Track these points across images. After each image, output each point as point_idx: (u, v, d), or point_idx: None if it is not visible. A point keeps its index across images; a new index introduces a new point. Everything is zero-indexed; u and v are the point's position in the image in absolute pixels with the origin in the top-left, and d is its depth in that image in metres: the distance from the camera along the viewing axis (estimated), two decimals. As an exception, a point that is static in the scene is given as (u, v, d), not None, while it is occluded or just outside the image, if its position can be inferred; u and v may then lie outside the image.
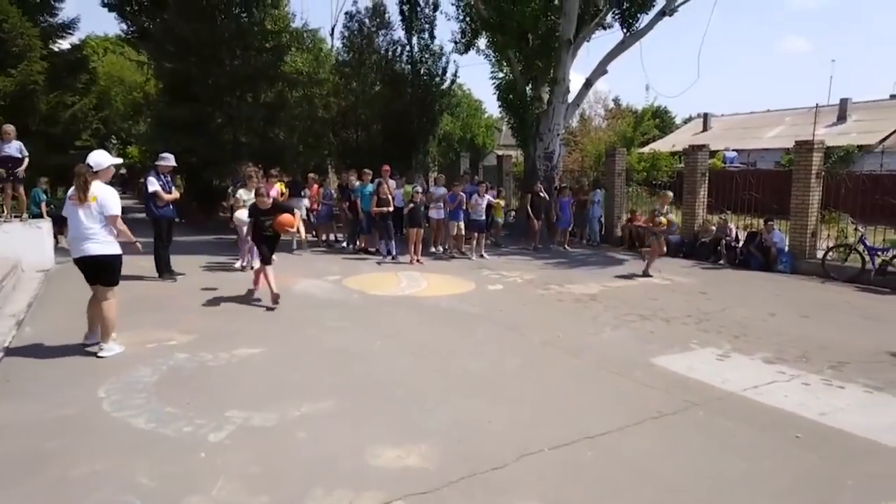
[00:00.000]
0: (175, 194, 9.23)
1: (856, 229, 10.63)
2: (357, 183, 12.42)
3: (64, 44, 19.68)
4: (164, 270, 9.05)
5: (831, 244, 10.95)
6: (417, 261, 11.17)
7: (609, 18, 16.53)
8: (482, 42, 18.58)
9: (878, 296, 9.03)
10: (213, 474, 3.32)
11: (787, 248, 11.20)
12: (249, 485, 3.23)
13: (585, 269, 11.05)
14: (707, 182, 13.49)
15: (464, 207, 12.00)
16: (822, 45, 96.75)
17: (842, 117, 29.71)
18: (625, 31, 16.11)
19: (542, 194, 13.73)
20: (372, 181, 12.40)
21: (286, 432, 3.89)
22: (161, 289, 8.41)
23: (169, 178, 9.19)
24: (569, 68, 15.83)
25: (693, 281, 9.77)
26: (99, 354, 5.30)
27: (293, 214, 7.68)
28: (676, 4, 15.17)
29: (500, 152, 26.03)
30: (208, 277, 9.41)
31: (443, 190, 12.59)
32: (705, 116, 38.15)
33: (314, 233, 13.92)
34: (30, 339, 5.83)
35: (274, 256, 7.70)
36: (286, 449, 3.66)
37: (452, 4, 18.47)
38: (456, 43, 18.79)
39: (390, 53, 19.93)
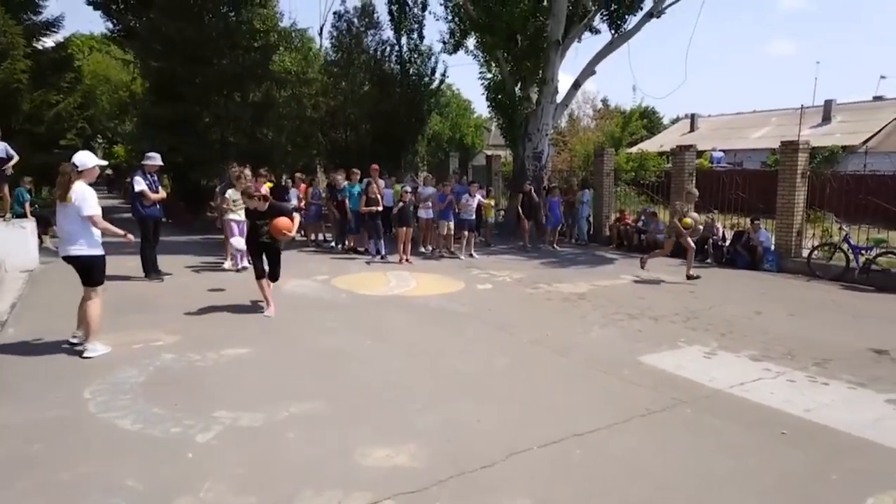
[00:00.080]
0: (162, 194, 9.16)
1: (840, 228, 10.75)
2: (345, 183, 12.39)
3: (48, 42, 19.49)
4: (151, 271, 8.97)
5: (816, 243, 11.06)
6: (406, 260, 11.16)
7: (597, 21, 16.62)
8: (471, 42, 18.61)
9: (861, 294, 9.14)
10: (200, 475, 3.30)
11: (773, 247, 11.31)
12: (237, 486, 3.21)
13: (574, 269, 11.10)
14: (694, 182, 13.57)
15: (453, 207, 12.01)
16: (807, 48, 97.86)
17: (826, 118, 30.09)
18: (613, 32, 16.21)
19: (532, 195, 13.76)
20: (360, 181, 12.38)
21: (275, 433, 3.87)
22: (148, 289, 8.34)
23: (156, 178, 9.12)
24: (557, 69, 15.89)
25: (680, 279, 9.83)
26: (84, 355, 5.25)
27: (292, 218, 6.96)
28: (664, 6, 15.29)
29: (489, 152, 26.08)
30: (196, 278, 9.35)
31: (431, 189, 12.59)
32: (692, 117, 38.49)
33: (303, 232, 13.86)
34: (13, 340, 5.75)
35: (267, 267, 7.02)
36: (275, 449, 3.64)
37: (441, 5, 18.48)
38: (445, 43, 18.80)
39: (379, 53, 19.91)
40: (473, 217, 12.37)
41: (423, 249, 12.62)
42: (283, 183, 14.27)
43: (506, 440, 3.79)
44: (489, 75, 18.72)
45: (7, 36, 15.18)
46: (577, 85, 16.79)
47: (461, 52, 18.89)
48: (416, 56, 20.02)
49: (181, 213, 16.68)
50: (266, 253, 7.01)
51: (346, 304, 7.78)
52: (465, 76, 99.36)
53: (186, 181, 16.58)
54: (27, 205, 12.14)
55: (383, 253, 11.49)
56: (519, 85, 17.51)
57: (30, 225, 10.05)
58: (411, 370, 5.22)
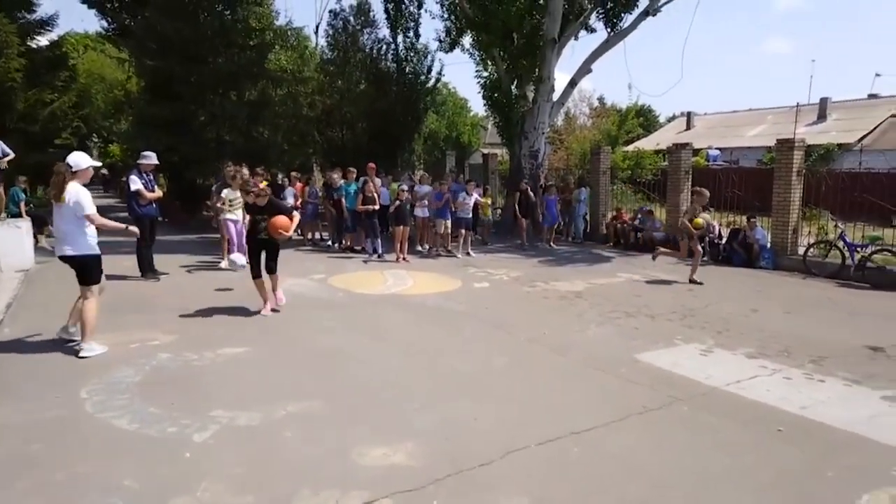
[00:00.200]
0: (158, 193, 9.15)
1: (836, 226, 10.78)
2: (342, 181, 12.38)
3: (42, 40, 19.43)
4: (147, 270, 8.96)
5: (812, 241, 11.10)
6: (403, 259, 11.16)
7: (593, 19, 16.63)
8: (467, 41, 18.61)
9: (857, 291, 9.17)
10: (198, 475, 3.29)
11: (769, 245, 11.34)
12: (235, 485, 3.21)
13: (571, 267, 11.11)
14: (690, 180, 13.61)
15: (450, 206, 12.01)
16: (803, 46, 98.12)
17: (822, 116, 30.14)
18: (609, 30, 16.22)
19: (529, 193, 13.77)
20: (357, 180, 12.37)
21: (272, 432, 3.86)
22: (144, 288, 8.32)
23: (151, 177, 9.09)
24: (553, 67, 15.89)
25: (677, 277, 9.85)
26: (80, 354, 5.24)
27: (291, 217, 6.85)
28: (660, 4, 15.30)
29: (485, 151, 26.06)
30: (192, 277, 9.33)
31: (427, 188, 12.58)
32: (689, 115, 38.49)
33: (300, 231, 13.84)
34: (9, 340, 5.74)
35: (265, 269, 6.89)
36: (272, 448, 3.64)
37: (437, 3, 18.46)
38: (441, 41, 18.79)
39: (375, 52, 19.89)
40: (470, 216, 12.37)
41: (419, 248, 12.61)
42: (280, 182, 14.25)
43: (503, 438, 3.79)
44: (485, 74, 18.72)
45: (1, 34, 15.10)
46: (573, 83, 16.81)
47: (457, 51, 18.92)
48: (412, 54, 20.01)
49: (177, 213, 16.65)
50: (265, 250, 6.91)
51: (344, 303, 7.77)
52: (461, 74, 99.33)
53: (182, 180, 16.55)
54: (22, 204, 12.11)
55: (380, 252, 11.48)
56: (515, 83, 17.52)
57: (25, 224, 10.02)
58: (409, 369, 5.22)
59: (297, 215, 6.95)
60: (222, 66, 15.63)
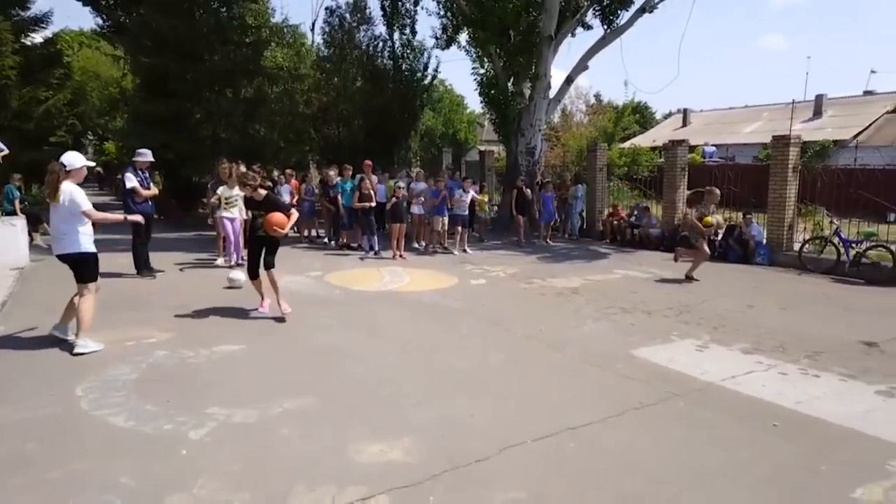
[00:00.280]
0: (154, 190, 9.11)
1: (831, 222, 10.82)
2: (338, 178, 12.35)
3: (37, 38, 19.34)
4: (143, 268, 8.93)
5: (808, 237, 11.14)
6: (400, 256, 11.16)
7: (589, 16, 16.61)
8: (463, 38, 18.59)
9: (852, 287, 9.21)
10: (194, 472, 3.29)
11: (764, 241, 11.37)
12: (231, 482, 3.21)
13: (568, 263, 11.12)
14: (686, 176, 13.63)
15: (447, 203, 12.00)
16: (799, 43, 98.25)
17: (817, 113, 30.20)
18: (605, 27, 16.21)
19: (525, 190, 13.76)
20: (353, 177, 12.35)
21: (268, 429, 3.86)
22: (140, 286, 8.29)
23: (147, 174, 9.06)
24: (550, 64, 15.88)
25: (673, 274, 9.87)
26: (75, 351, 5.23)
27: (288, 215, 6.58)
28: (656, 1, 15.29)
29: (482, 148, 26.05)
30: (188, 275, 9.31)
31: (423, 185, 12.56)
32: (685, 112, 38.56)
33: (296, 229, 13.81)
34: (4, 338, 5.71)
35: (263, 270, 6.61)
36: (268, 445, 3.64)
37: (433, 0, 18.45)
38: (437, 38, 18.77)
39: (371, 49, 19.87)
40: (467, 213, 12.37)
41: (416, 245, 12.61)
42: (276, 178, 14.19)
43: (500, 434, 3.80)
44: (482, 71, 18.69)
45: (-5, 31, 15.04)
46: (569, 80, 16.80)
47: (454, 48, 18.94)
48: (408, 51, 19.98)
49: (173, 210, 16.59)
50: (265, 247, 6.67)
51: (340, 301, 7.76)
52: (457, 72, 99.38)
53: (178, 178, 16.50)
54: (17, 202, 12.06)
55: (377, 249, 11.47)
56: (512, 80, 17.50)
57: (20, 222, 9.98)
58: (405, 366, 5.22)
59: (294, 213, 6.72)
60: (218, 64, 15.58)
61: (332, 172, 12.53)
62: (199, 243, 12.38)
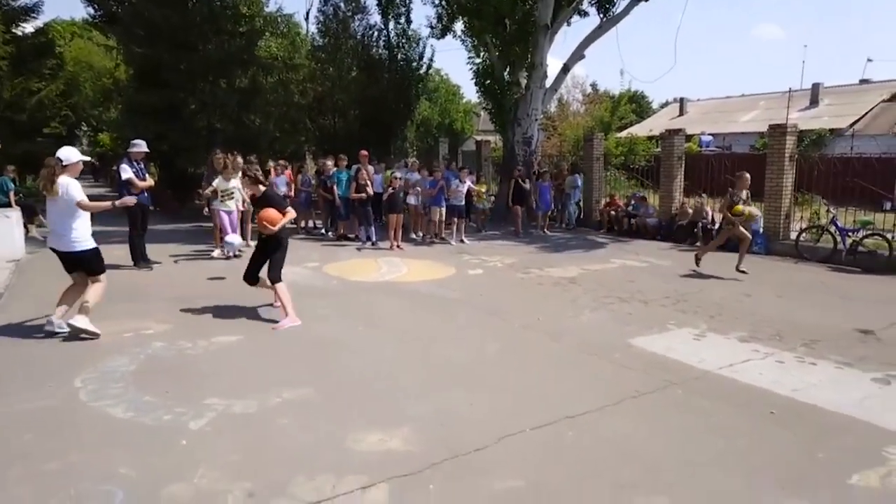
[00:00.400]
0: (149, 181, 9.06)
1: (828, 211, 10.84)
2: (333, 169, 12.30)
3: (28, 27, 19.14)
4: (140, 259, 8.90)
5: (804, 226, 11.16)
6: (397, 246, 11.14)
7: (585, 4, 16.52)
8: (459, 27, 18.41)
9: (848, 275, 9.24)
10: (194, 462, 3.29)
11: (761, 230, 11.38)
12: (231, 472, 3.21)
13: (565, 253, 11.13)
14: (683, 166, 13.63)
15: (444, 193, 11.98)
16: (795, 31, 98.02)
17: (814, 101, 30.20)
18: (601, 15, 16.13)
19: (522, 181, 13.73)
20: (349, 167, 12.30)
21: (267, 419, 3.87)
22: (137, 277, 8.27)
23: (142, 165, 9.01)
24: (546, 53, 15.81)
25: (670, 263, 9.90)
26: (70, 321, 5.35)
27: (283, 212, 6.17)
28: (652, -11, 15.21)
29: (478, 137, 25.98)
30: (185, 266, 9.29)
31: (417, 175, 12.52)
32: (681, 101, 38.51)
33: (293, 220, 13.76)
34: (1, 329, 5.69)
35: (263, 275, 6.21)
36: (268, 435, 3.64)
37: (428, -12, 18.24)
38: (432, 28, 18.59)
39: (366, 38, 19.70)
40: (463, 203, 12.34)
41: (413, 236, 12.59)
42: (270, 170, 14.12)
43: (498, 424, 3.81)
44: (478, 60, 18.58)
45: (-15, 21, 14.88)
46: (566, 69, 16.73)
47: (449, 37, 18.74)
48: (403, 41, 19.83)
49: (168, 201, 16.52)
50: (266, 248, 6.26)
51: (338, 291, 7.76)
52: (453, 61, 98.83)
53: (173, 169, 16.39)
54: (11, 194, 11.99)
55: (374, 239, 11.46)
56: (508, 70, 17.40)
57: (15, 214, 9.93)
58: (403, 356, 5.23)
59: (290, 212, 6.30)
60: (212, 54, 15.44)
61: (329, 163, 12.48)
62: (196, 235, 12.34)
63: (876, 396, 4.38)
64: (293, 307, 6.11)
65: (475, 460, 3.38)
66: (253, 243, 7.38)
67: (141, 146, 8.83)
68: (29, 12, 18.66)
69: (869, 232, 10.12)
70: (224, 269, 8.80)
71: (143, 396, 4.17)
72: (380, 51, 19.75)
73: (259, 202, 6.32)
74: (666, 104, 44.80)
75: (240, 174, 9.10)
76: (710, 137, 26.13)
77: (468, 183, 12.61)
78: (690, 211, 12.76)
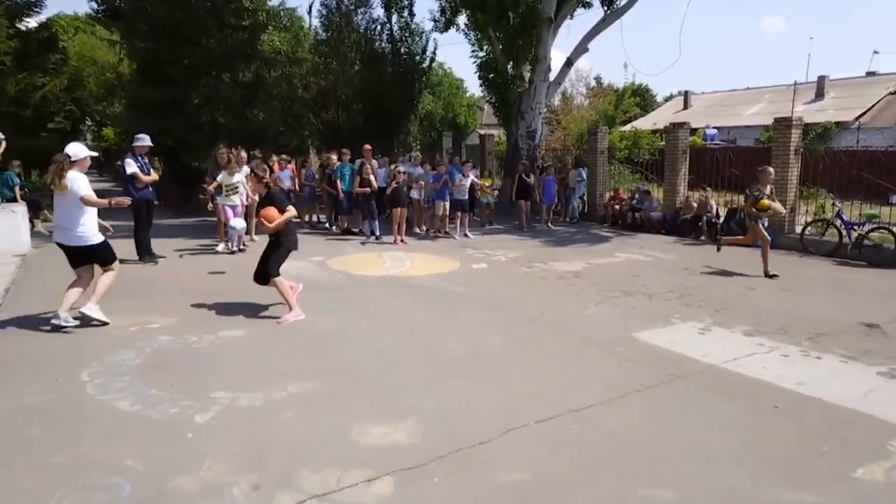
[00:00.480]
0: (154, 176, 9.09)
1: (833, 204, 10.79)
2: (337, 163, 12.30)
3: (32, 23, 19.15)
4: (145, 254, 8.94)
5: (809, 219, 11.11)
6: (401, 241, 11.15)
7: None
8: (462, 20, 18.39)
9: (854, 269, 9.21)
10: (200, 455, 3.32)
11: (766, 224, 11.33)
12: (237, 464, 3.23)
13: (569, 247, 11.12)
14: (688, 159, 13.58)
15: (448, 187, 11.97)
16: (801, 24, 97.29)
17: (819, 94, 29.98)
18: (605, 8, 16.05)
19: (526, 175, 13.70)
20: (352, 161, 12.29)
21: (273, 412, 3.89)
22: (142, 272, 8.30)
23: (146, 160, 9.03)
24: (550, 46, 15.75)
25: (675, 257, 9.88)
26: (80, 309, 5.47)
27: (283, 211, 6.03)
28: (657, -19, 15.11)
29: (482, 131, 25.93)
30: (190, 260, 9.31)
31: (420, 169, 12.51)
32: (686, 94, 38.24)
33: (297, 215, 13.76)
34: (8, 324, 5.73)
35: (276, 276, 6.05)
36: (273, 428, 3.66)
37: (432, -19, 18.23)
38: (435, 21, 18.58)
39: (369, 32, 19.68)
40: (466, 197, 12.33)
41: (417, 230, 12.59)
42: (273, 165, 14.13)
43: (502, 417, 3.82)
44: (481, 54, 18.53)
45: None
46: (569, 63, 16.68)
47: (452, 31, 18.71)
48: (406, 34, 19.81)
49: (173, 196, 16.55)
50: (268, 249, 6.22)
51: (342, 285, 7.78)
52: (457, 55, 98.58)
53: (177, 163, 16.43)
54: (17, 189, 12.02)
55: (378, 234, 11.47)
56: (511, 63, 17.36)
57: (20, 209, 9.97)
58: (407, 350, 5.24)
59: (290, 211, 6.13)
60: (215, 48, 15.43)
61: (333, 157, 12.48)
62: (201, 229, 12.37)
63: (881, 390, 4.37)
64: (295, 301, 6.14)
65: (480, 453, 3.39)
66: (257, 238, 7.40)
67: (145, 140, 8.84)
68: (32, 7, 18.65)
69: (875, 225, 10.06)
70: (228, 264, 8.83)
71: (149, 390, 4.20)
72: (383, 45, 19.73)
73: (262, 200, 6.33)
74: (670, 97, 44.53)
75: (247, 171, 9.09)
76: (715, 131, 26.00)
77: (472, 177, 12.59)
78: (695, 205, 12.71)
